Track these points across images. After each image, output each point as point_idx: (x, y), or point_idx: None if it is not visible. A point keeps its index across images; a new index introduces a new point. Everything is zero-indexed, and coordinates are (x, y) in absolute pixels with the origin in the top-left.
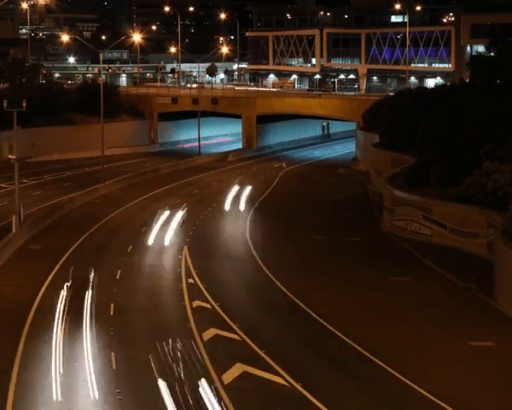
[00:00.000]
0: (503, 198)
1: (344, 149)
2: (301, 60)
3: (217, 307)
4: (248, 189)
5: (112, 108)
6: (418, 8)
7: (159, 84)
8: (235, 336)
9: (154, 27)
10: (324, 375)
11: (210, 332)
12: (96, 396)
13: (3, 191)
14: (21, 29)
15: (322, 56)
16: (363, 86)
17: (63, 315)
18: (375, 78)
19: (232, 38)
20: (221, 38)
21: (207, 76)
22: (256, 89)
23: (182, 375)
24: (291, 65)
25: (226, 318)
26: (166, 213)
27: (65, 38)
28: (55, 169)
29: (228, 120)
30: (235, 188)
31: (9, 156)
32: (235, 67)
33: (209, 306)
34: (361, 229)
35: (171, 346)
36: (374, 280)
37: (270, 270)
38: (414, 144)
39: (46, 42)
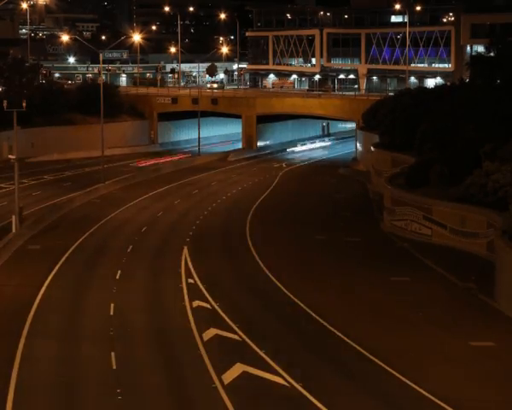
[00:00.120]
0: (503, 198)
1: (344, 149)
2: (301, 60)
3: (217, 307)
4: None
5: (112, 108)
6: (418, 8)
7: (158, 85)
8: (235, 337)
9: (153, 27)
10: (324, 375)
11: (210, 332)
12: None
13: (3, 191)
14: (21, 29)
15: (322, 56)
16: (363, 86)
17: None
18: (374, 78)
19: (232, 38)
20: (221, 38)
21: (207, 76)
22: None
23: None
24: (291, 65)
25: (226, 318)
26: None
27: (65, 38)
28: (54, 169)
29: (228, 120)
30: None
31: (9, 156)
32: (235, 67)
33: (209, 306)
34: (361, 229)
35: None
36: (374, 280)
37: (270, 270)
38: (414, 144)
39: (46, 42)
